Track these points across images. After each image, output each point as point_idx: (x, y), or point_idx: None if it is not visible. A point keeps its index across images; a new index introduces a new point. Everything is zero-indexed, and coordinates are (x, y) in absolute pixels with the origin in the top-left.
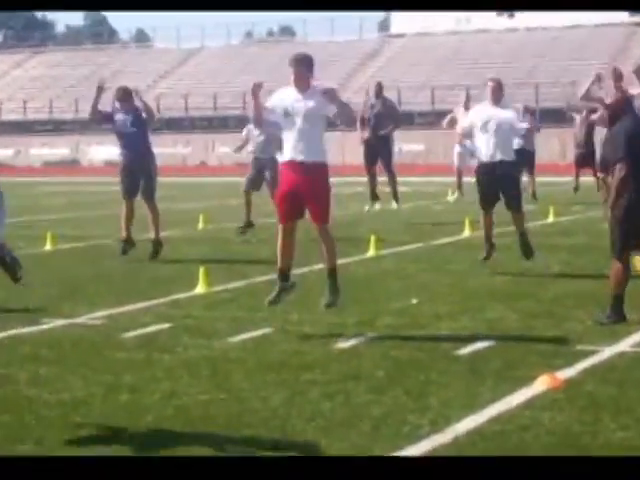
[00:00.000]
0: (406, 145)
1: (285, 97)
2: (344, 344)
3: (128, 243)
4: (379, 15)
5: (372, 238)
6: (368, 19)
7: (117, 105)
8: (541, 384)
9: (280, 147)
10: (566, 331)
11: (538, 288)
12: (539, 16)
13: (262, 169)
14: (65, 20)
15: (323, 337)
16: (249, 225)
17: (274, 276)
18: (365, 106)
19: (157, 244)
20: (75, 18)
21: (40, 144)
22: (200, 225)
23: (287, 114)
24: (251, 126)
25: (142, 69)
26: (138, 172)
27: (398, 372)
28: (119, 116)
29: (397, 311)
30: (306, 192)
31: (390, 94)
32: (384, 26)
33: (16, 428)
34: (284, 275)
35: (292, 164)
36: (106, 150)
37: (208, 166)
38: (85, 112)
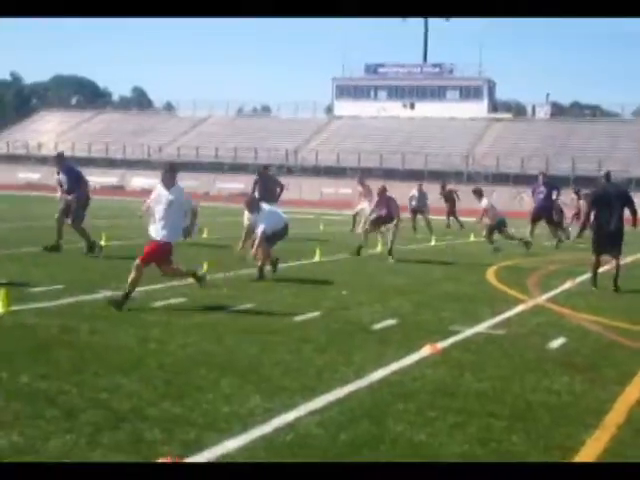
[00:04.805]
0: (341, 189)
1: None
2: (299, 318)
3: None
4: (326, 101)
5: (317, 250)
6: (319, 105)
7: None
8: (426, 351)
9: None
10: (442, 316)
11: (426, 287)
12: (431, 110)
13: None
14: (119, 92)
15: (285, 313)
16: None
17: (253, 270)
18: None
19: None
20: (125, 91)
21: (99, 174)
22: (205, 235)
23: None
24: None
25: (169, 129)
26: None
27: (334, 338)
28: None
29: (333, 298)
30: None
31: (331, 157)
32: (329, 110)
33: (78, 361)
34: None
35: None
36: (143, 180)
37: (210, 195)
38: (129, 154)
